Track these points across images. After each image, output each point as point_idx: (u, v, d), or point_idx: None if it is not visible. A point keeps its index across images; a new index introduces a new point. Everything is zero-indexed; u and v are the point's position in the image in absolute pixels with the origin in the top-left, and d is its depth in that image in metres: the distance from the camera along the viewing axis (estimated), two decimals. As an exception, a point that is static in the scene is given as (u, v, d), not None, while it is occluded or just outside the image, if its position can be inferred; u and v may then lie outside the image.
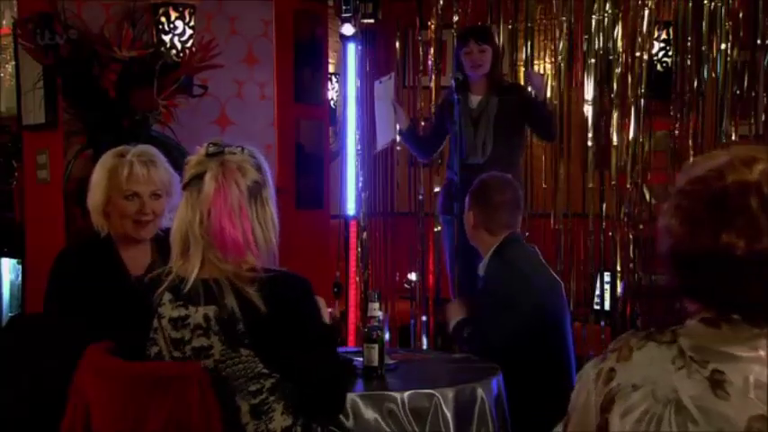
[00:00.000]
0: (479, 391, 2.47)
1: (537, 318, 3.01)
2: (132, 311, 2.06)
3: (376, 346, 2.56)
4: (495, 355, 2.82)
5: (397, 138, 4.91)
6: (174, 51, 3.86)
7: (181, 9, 3.88)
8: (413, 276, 5.54)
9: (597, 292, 5.02)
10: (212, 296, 1.95)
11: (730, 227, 1.25)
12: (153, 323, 2.01)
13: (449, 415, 2.37)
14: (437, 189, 4.99)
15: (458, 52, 4.32)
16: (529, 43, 5.14)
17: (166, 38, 3.86)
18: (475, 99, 4.29)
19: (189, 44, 3.89)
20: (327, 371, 2.05)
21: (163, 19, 3.87)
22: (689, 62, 4.66)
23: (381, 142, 4.81)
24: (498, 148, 4.24)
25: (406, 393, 2.35)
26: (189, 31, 3.90)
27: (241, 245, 1.99)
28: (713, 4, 4.54)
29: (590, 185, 4.92)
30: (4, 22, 5.22)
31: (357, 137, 5.43)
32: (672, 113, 4.74)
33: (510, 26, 5.17)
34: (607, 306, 4.88)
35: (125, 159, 2.59)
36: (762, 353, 1.25)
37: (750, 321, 1.27)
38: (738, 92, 4.56)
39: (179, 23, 3.88)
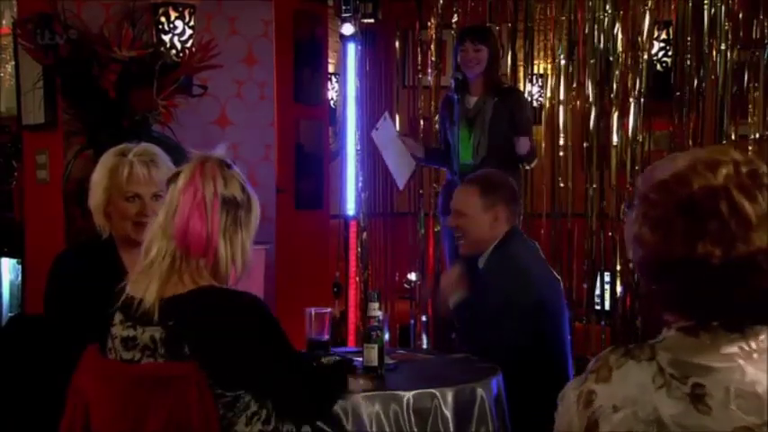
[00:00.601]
0: (479, 391, 2.46)
1: (537, 315, 3.01)
2: None
3: (376, 346, 2.55)
4: (496, 355, 2.82)
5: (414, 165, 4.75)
6: (173, 51, 3.85)
7: (181, 9, 3.88)
8: (413, 276, 5.54)
9: (597, 291, 5.02)
10: (158, 317, 1.91)
11: (704, 235, 1.22)
12: (107, 343, 2.00)
13: (448, 415, 2.37)
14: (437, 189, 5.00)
15: (456, 52, 4.32)
16: (527, 43, 5.14)
17: (166, 38, 3.86)
18: (472, 100, 4.29)
19: (189, 44, 3.88)
20: (287, 385, 2.01)
21: (163, 19, 3.86)
22: (689, 62, 4.66)
23: (402, 181, 4.75)
24: (494, 149, 4.23)
25: (411, 393, 2.35)
26: (189, 31, 3.90)
27: (204, 240, 1.92)
28: (713, 4, 4.54)
29: (590, 186, 4.93)
30: (3, 22, 5.21)
31: (357, 137, 5.43)
32: (672, 113, 4.74)
33: (509, 26, 5.17)
34: (607, 306, 4.89)
35: (126, 159, 2.53)
36: (740, 360, 1.24)
37: (728, 327, 1.26)
38: (738, 92, 4.56)
39: (179, 23, 3.87)
